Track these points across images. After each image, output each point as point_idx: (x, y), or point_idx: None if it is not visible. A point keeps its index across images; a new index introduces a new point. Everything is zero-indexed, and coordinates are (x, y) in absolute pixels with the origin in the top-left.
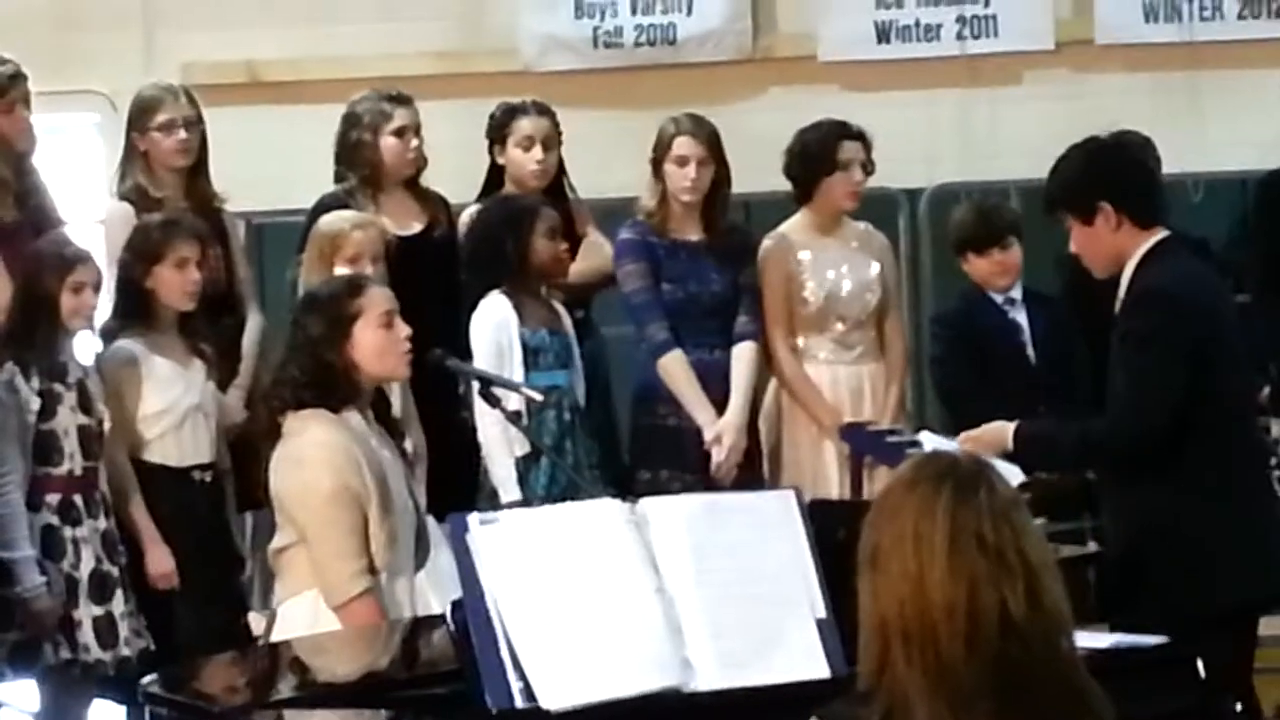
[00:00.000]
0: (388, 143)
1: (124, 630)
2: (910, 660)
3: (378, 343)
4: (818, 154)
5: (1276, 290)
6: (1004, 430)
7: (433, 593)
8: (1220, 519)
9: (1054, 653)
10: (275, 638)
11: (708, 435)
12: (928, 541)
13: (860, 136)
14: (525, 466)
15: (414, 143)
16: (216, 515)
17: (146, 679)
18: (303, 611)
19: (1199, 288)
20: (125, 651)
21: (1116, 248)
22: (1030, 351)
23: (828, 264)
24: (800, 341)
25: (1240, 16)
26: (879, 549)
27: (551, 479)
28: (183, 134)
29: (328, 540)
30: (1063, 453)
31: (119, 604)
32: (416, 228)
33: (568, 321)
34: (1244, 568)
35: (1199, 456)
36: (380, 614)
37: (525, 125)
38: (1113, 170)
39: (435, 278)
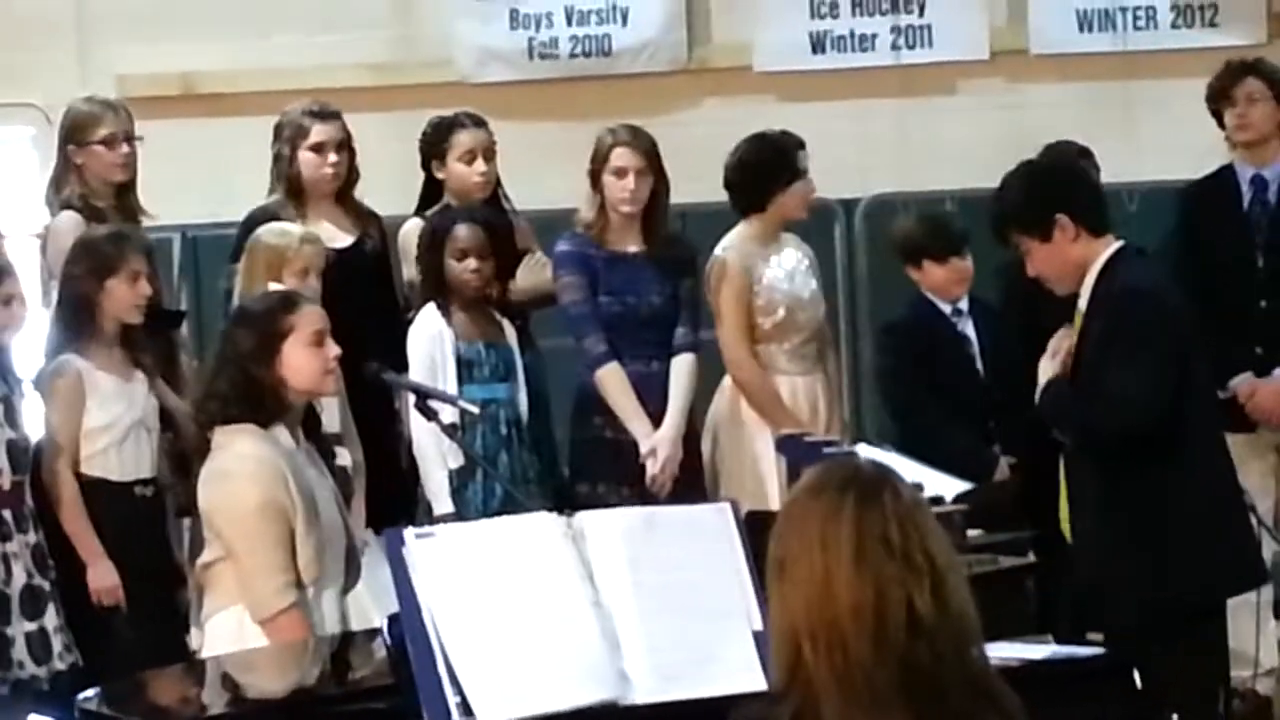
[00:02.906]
0: (305, 157)
1: (56, 645)
2: (819, 662)
3: (306, 361)
4: (780, 163)
5: (1204, 299)
6: (1051, 368)
7: (374, 607)
8: (1200, 512)
9: (963, 656)
10: (202, 652)
11: (643, 448)
12: (834, 544)
13: (804, 145)
14: (461, 480)
15: (332, 158)
16: (157, 530)
17: (84, 695)
18: (228, 627)
19: (1173, 292)
20: (58, 666)
21: (1077, 259)
22: (979, 365)
23: (786, 275)
24: (761, 353)
25: (1174, 26)
26: (786, 556)
27: (489, 493)
28: (125, 148)
29: (253, 554)
30: (1069, 420)
31: (50, 619)
32: (347, 240)
33: (511, 335)
34: (1217, 562)
35: (1176, 455)
36: (306, 628)
37: (465, 139)
38: (1060, 183)
39: (366, 290)
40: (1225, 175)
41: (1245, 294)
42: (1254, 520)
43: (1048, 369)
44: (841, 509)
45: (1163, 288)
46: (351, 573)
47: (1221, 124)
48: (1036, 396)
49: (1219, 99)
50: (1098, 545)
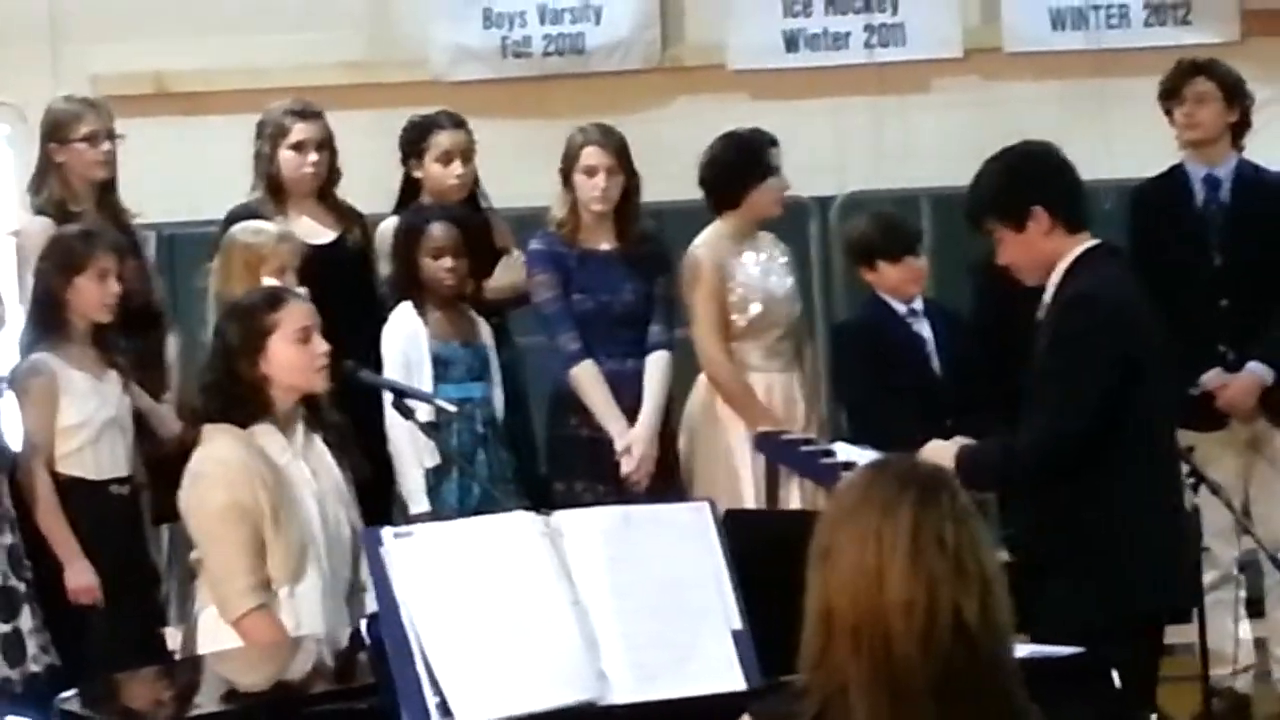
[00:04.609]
0: (285, 156)
1: (31, 647)
2: (857, 653)
3: (291, 357)
4: (752, 160)
5: (1163, 300)
6: (945, 453)
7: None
8: (1132, 529)
9: (998, 665)
10: (195, 643)
11: (618, 446)
12: (889, 538)
13: (777, 143)
14: (437, 479)
15: (313, 157)
16: (133, 529)
17: (63, 695)
18: (214, 620)
19: (1128, 296)
20: (33, 668)
21: (1049, 252)
22: (934, 365)
23: (761, 272)
24: (736, 350)
25: (1147, 24)
26: (834, 545)
27: (464, 492)
28: (106, 145)
29: (218, 557)
30: (990, 471)
31: (26, 620)
32: (328, 237)
33: (487, 334)
34: (1153, 578)
35: (1115, 466)
36: (276, 629)
37: (443, 140)
38: (1041, 173)
39: (347, 287)
40: (1177, 175)
41: (1205, 293)
42: (1232, 516)
43: (942, 455)
44: (900, 504)
45: (1115, 292)
46: (357, 569)
47: (1174, 123)
48: (959, 467)
49: (1169, 98)
50: (1034, 555)
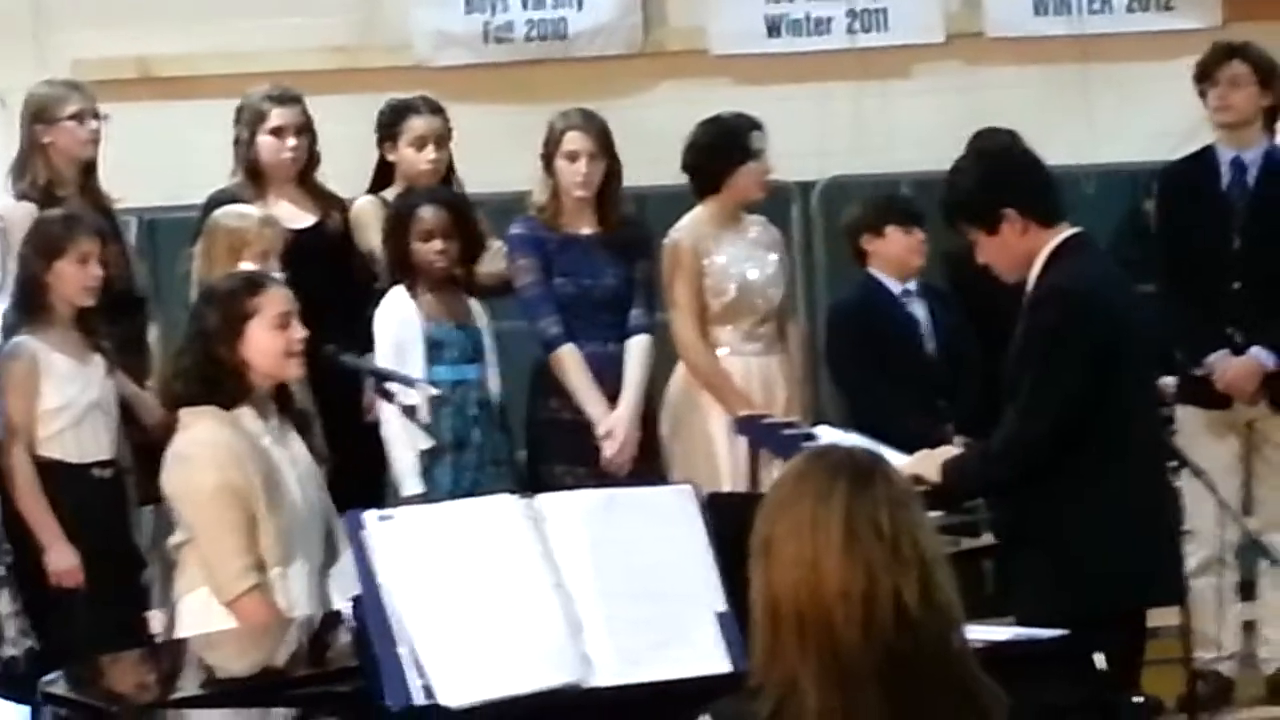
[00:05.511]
0: (264, 141)
1: (10, 630)
2: (804, 645)
3: (270, 343)
4: (731, 144)
5: (1179, 279)
6: (931, 463)
7: (335, 590)
8: (1109, 522)
9: (944, 648)
10: (176, 630)
11: (599, 430)
12: (824, 527)
13: (762, 127)
14: (430, 461)
15: (291, 142)
16: (116, 512)
17: (47, 677)
18: (199, 606)
19: (1104, 286)
20: (11, 651)
21: (1025, 251)
22: (928, 345)
23: (739, 256)
24: (712, 334)
25: (1129, 9)
26: (773, 537)
27: (458, 474)
28: (94, 124)
29: (213, 538)
30: (973, 479)
31: (4, 604)
32: (307, 221)
33: (481, 315)
34: (1132, 573)
35: (1093, 456)
36: (271, 609)
37: (418, 125)
38: (1009, 175)
39: (327, 271)
40: (1206, 156)
41: (1220, 275)
42: (1215, 502)
43: (926, 469)
44: (833, 491)
45: (1086, 284)
46: (329, 551)
47: (1207, 105)
48: (945, 479)
49: (1203, 79)
50: (1016, 543)
